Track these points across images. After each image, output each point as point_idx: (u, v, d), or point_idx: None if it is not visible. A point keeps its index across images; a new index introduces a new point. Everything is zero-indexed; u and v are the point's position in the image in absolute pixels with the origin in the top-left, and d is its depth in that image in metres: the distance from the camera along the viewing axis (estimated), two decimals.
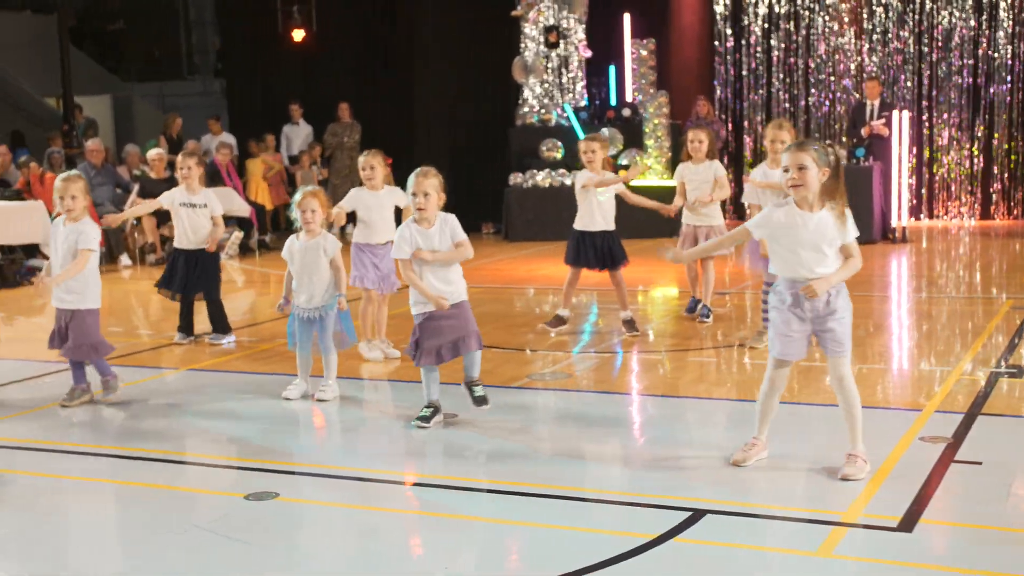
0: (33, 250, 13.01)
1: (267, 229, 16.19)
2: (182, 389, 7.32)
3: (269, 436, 6.09)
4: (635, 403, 6.83)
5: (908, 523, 4.46)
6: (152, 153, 14.11)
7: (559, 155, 15.99)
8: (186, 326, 8.83)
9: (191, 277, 8.62)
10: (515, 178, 15.89)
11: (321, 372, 6.84)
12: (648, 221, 14.16)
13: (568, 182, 15.76)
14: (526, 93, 16.55)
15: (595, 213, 8.55)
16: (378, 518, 4.83)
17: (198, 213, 8.63)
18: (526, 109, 16.57)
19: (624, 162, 15.81)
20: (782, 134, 7.40)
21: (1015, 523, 4.50)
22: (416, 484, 5.27)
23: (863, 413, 5.14)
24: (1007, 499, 4.74)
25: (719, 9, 17.60)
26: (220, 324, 8.74)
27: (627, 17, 16.60)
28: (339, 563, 4.32)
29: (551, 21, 16.41)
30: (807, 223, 4.98)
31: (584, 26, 16.55)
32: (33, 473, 5.55)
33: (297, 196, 6.83)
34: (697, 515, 4.61)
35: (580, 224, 8.64)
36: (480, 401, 6.17)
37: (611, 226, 8.62)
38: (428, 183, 5.95)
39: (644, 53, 16.53)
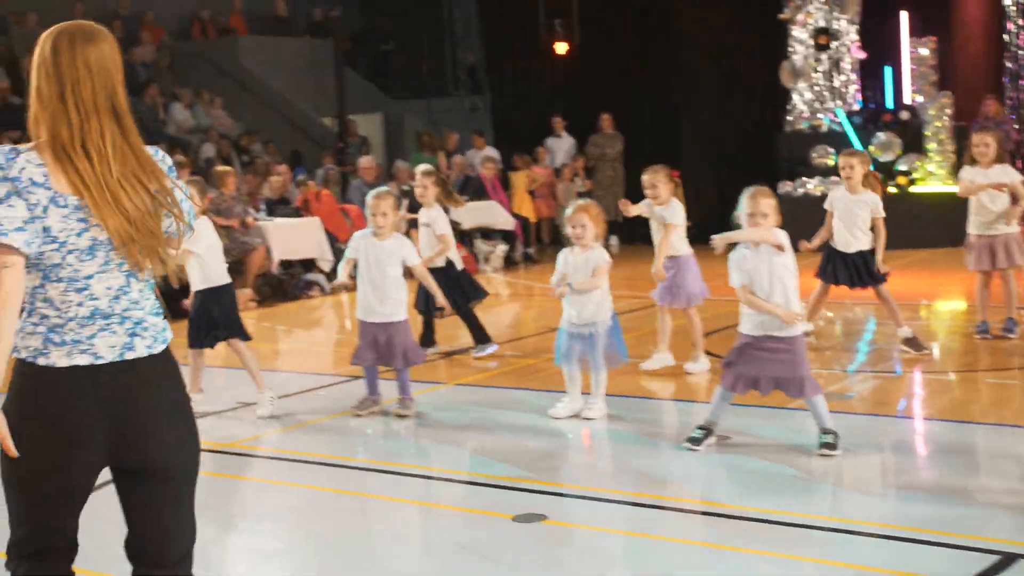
0: (310, 265, 13.54)
1: (532, 242, 16.27)
2: (450, 404, 7.32)
3: (535, 455, 5.95)
4: (922, 429, 6.29)
5: None
6: (421, 168, 14.43)
7: (831, 162, 15.24)
8: (426, 341, 8.78)
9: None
10: (784, 187, 15.27)
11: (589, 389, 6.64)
12: (932, 231, 13.36)
13: None
14: (795, 98, 15.92)
15: (844, 232, 8.00)
16: (647, 545, 4.58)
17: (426, 231, 8.62)
18: (795, 115, 15.94)
19: (903, 168, 14.92)
20: None
21: None
22: (686, 511, 4.98)
23: None
24: None
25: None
26: (478, 334, 8.68)
27: (904, 15, 15.68)
28: None
29: (821, 23, 15.73)
30: None
31: (857, 27, 15.77)
32: (309, 486, 5.63)
33: (568, 210, 6.68)
34: (1008, 559, 4.12)
35: (835, 243, 8.13)
36: (825, 447, 5.56)
37: (866, 245, 8.03)
38: (766, 203, 5.57)
39: (924, 52, 15.57)
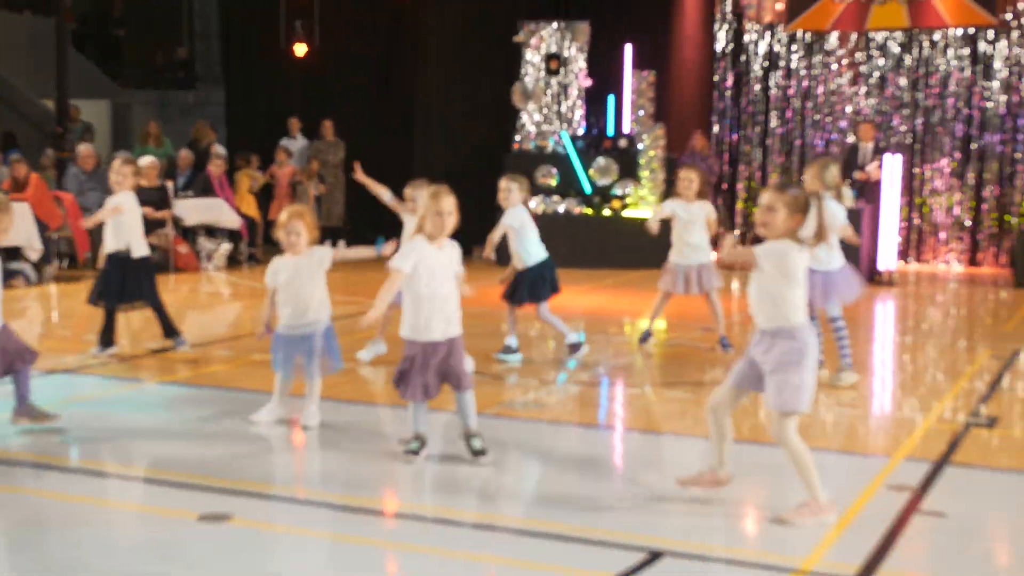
0: (15, 253, 12.91)
1: (257, 242, 16.14)
2: (142, 404, 7.25)
3: (229, 457, 5.99)
4: (602, 437, 6.77)
5: (867, 573, 4.41)
6: (145, 161, 14.08)
7: (553, 182, 16.00)
8: (106, 339, 8.45)
9: (127, 285, 8.38)
10: None
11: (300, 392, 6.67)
12: (642, 252, 14.21)
13: (561, 209, 15.76)
14: (524, 119, 16.56)
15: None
16: (329, 546, 4.77)
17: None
18: (523, 135, 16.57)
19: (617, 192, 15.79)
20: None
21: None
22: (354, 510, 5.20)
23: (831, 458, 5.12)
24: (966, 553, 4.69)
25: (719, 46, 17.67)
26: (169, 328, 8.62)
27: (629, 47, 16.61)
28: None
29: (553, 48, 16.44)
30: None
31: (585, 55, 16.57)
32: None
33: (282, 216, 6.55)
34: (654, 556, 4.55)
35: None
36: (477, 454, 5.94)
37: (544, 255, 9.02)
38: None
39: (644, 84, 16.53)
